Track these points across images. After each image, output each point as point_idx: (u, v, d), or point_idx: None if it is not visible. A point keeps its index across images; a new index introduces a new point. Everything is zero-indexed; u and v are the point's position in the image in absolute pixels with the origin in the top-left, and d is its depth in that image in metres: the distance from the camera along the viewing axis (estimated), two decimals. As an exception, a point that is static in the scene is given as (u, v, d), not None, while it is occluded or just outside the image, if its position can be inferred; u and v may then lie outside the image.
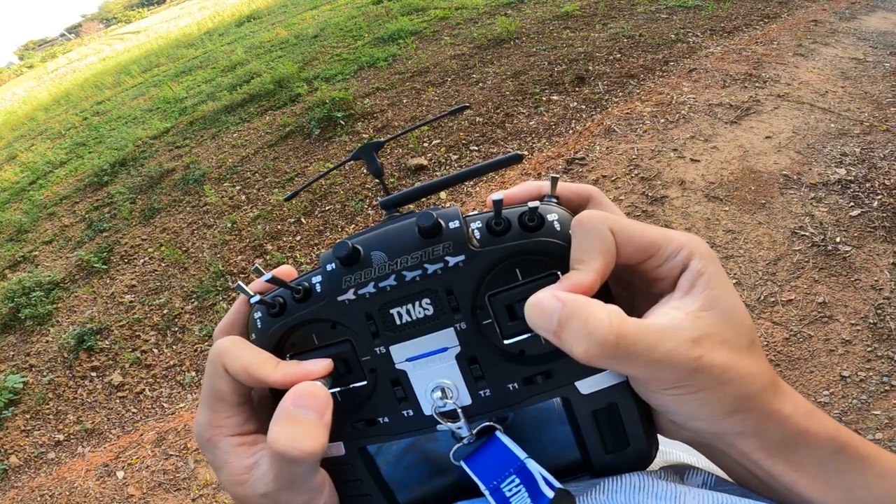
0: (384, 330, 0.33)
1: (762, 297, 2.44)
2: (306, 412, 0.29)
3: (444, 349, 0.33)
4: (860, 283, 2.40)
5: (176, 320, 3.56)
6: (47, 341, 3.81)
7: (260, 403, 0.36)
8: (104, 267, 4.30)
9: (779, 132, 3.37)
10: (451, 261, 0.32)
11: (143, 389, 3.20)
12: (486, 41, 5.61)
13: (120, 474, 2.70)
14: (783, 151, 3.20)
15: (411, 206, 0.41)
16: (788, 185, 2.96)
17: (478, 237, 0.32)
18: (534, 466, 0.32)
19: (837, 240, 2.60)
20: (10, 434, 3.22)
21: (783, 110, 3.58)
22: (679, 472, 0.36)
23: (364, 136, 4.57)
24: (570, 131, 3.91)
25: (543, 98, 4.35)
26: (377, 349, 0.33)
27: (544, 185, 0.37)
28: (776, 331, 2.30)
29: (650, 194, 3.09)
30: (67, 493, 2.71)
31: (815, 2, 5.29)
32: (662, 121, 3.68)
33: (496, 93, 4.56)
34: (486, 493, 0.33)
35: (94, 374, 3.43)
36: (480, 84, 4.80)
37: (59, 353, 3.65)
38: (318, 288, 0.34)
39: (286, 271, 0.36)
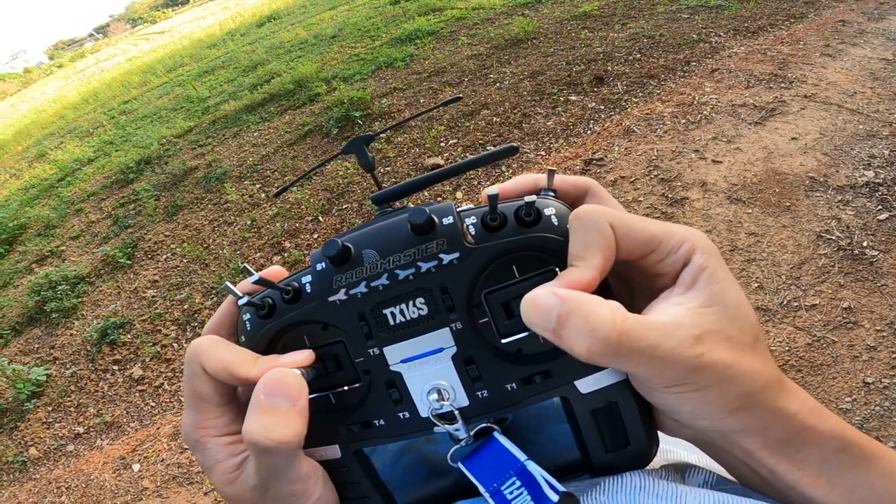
0: (377, 331, 0.32)
1: (785, 302, 2.38)
2: (278, 401, 0.29)
3: (440, 350, 0.32)
4: (887, 288, 2.32)
5: (196, 315, 3.61)
6: (71, 334, 3.91)
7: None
8: (128, 262, 4.40)
9: (805, 133, 3.29)
10: (446, 258, 0.31)
11: (163, 383, 3.25)
12: (503, 41, 5.58)
13: (136, 467, 2.75)
14: (809, 153, 3.12)
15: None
16: (814, 188, 2.88)
17: (473, 233, 0.31)
18: (535, 469, 0.32)
19: (864, 244, 2.53)
20: (32, 426, 3.30)
21: (810, 111, 3.49)
22: (680, 471, 0.36)
23: (381, 135, 4.59)
24: (589, 132, 3.87)
25: (561, 98, 4.31)
26: (370, 350, 0.32)
27: (541, 179, 0.36)
28: (799, 336, 2.24)
29: (670, 196, 3.04)
30: (84, 486, 2.76)
31: (843, 2, 5.15)
32: (683, 121, 3.62)
33: (513, 93, 4.54)
34: (487, 495, 0.32)
35: (115, 367, 3.50)
36: (498, 84, 4.78)
37: (83, 347, 3.74)
38: (308, 288, 0.33)
39: (276, 272, 0.36)
